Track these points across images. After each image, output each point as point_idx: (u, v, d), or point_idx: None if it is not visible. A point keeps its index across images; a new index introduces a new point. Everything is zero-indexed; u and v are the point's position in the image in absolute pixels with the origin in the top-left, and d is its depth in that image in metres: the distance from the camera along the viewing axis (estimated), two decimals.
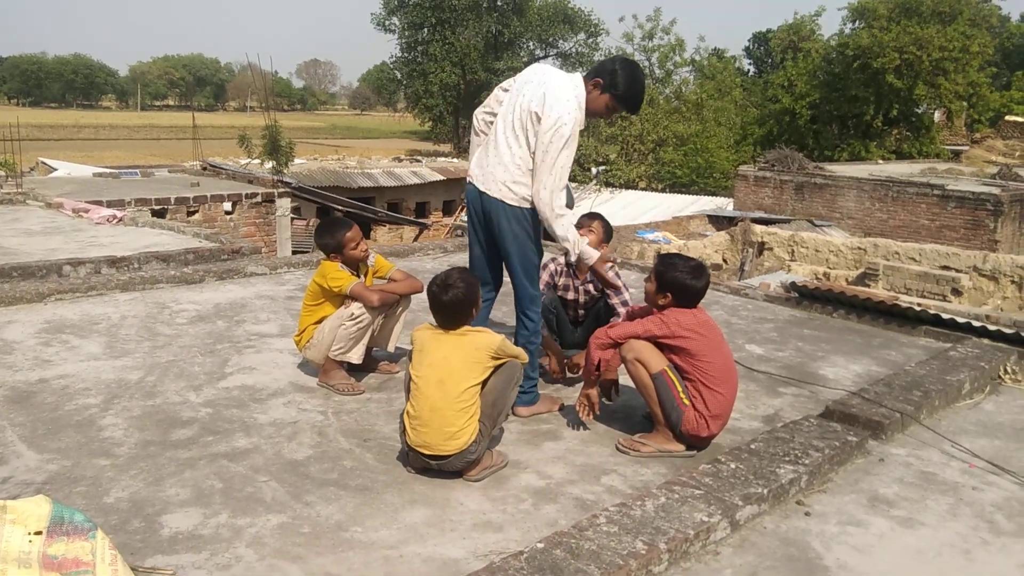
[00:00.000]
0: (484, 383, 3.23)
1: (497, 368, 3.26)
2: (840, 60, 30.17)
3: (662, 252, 12.12)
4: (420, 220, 25.51)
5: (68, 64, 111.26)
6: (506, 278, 3.94)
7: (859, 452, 3.51)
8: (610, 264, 4.37)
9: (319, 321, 4.15)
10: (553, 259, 4.55)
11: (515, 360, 3.32)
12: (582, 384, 3.72)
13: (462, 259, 7.67)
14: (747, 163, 24.91)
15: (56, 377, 4.19)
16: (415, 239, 22.88)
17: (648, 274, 3.61)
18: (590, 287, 4.44)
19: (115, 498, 2.98)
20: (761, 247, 15.66)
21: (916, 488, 3.28)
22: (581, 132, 3.76)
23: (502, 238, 3.73)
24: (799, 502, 3.10)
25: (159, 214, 12.12)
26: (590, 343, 3.61)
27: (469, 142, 4.07)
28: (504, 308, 5.11)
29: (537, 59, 48.08)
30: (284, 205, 14.62)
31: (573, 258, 3.83)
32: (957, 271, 13.06)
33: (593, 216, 4.47)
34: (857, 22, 31.38)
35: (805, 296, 6.21)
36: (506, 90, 3.84)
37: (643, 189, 28.25)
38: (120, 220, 9.83)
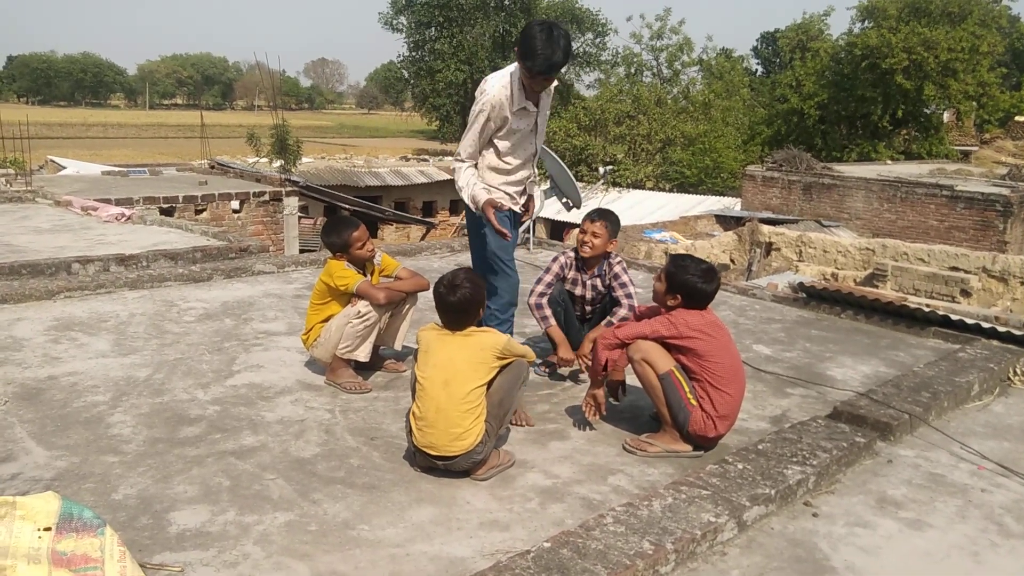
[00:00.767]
0: (490, 383, 3.23)
1: (503, 368, 3.26)
2: (848, 60, 30.06)
3: (671, 252, 12.11)
4: (427, 219, 25.57)
5: (77, 63, 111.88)
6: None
7: (867, 453, 3.50)
8: (619, 259, 4.36)
9: (326, 320, 4.16)
10: (564, 252, 4.54)
11: (521, 360, 3.32)
12: (589, 384, 3.71)
13: (468, 258, 7.67)
14: (755, 163, 24.85)
15: (65, 374, 4.21)
16: (422, 238, 22.92)
17: (659, 273, 3.60)
18: (597, 282, 4.42)
19: (123, 495, 2.99)
20: (769, 247, 15.62)
21: (924, 490, 3.27)
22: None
23: None
24: (807, 503, 3.09)
25: (167, 212, 12.17)
26: (597, 343, 3.60)
27: None
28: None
29: None
30: (291, 204, 14.66)
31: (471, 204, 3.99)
32: (966, 272, 13.00)
33: (596, 217, 4.38)
34: (866, 22, 31.25)
35: (813, 297, 6.20)
36: None
37: (650, 189, 28.20)
38: (128, 218, 9.87)
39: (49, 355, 4.49)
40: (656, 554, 2.53)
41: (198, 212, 13.09)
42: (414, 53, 48.67)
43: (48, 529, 2.23)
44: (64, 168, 21.30)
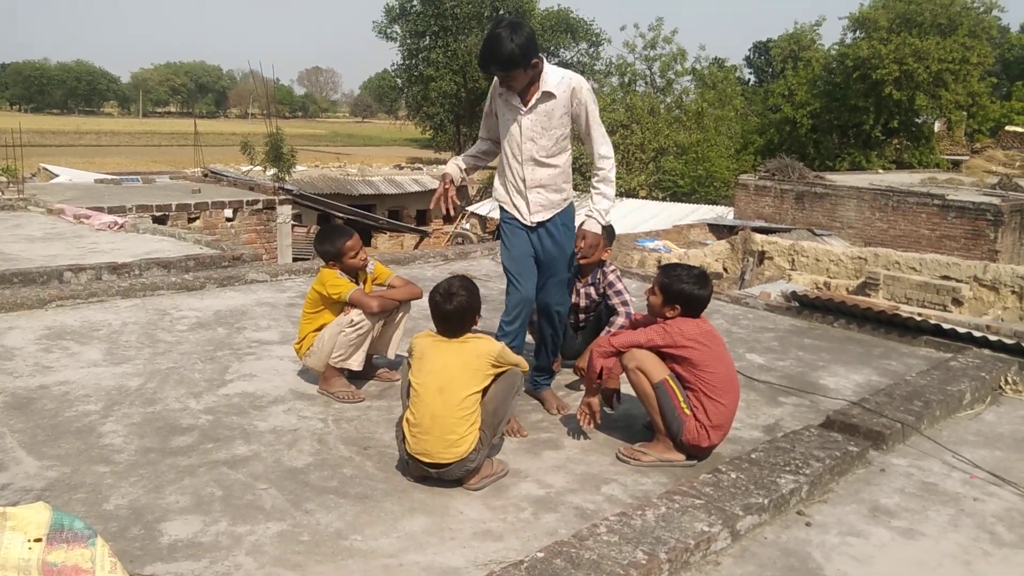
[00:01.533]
0: (485, 391, 3.23)
1: (498, 376, 3.26)
2: (840, 70, 30.25)
3: (663, 262, 12.12)
4: (421, 228, 25.54)
5: (71, 70, 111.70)
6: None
7: (860, 462, 3.51)
8: (613, 268, 4.38)
9: (319, 328, 4.15)
10: None
11: (516, 368, 3.32)
12: (583, 392, 3.71)
13: (462, 267, 7.68)
14: (748, 172, 24.93)
15: (56, 383, 4.19)
16: (416, 247, 22.90)
17: (651, 287, 3.60)
18: (591, 291, 4.43)
19: (115, 505, 2.97)
20: (761, 256, 15.67)
21: (917, 499, 3.28)
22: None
23: None
24: (800, 512, 3.10)
25: (160, 220, 12.14)
26: (592, 351, 3.60)
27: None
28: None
29: None
30: (285, 212, 14.64)
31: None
32: (957, 281, 13.06)
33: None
34: (858, 32, 31.46)
35: (806, 305, 6.22)
36: None
37: (644, 198, 28.25)
38: (121, 226, 9.84)
39: (40, 364, 4.47)
40: (649, 564, 2.52)
41: (191, 220, 13.06)
42: (408, 62, 48.74)
43: (39, 540, 2.21)
44: (57, 176, 21.24)
